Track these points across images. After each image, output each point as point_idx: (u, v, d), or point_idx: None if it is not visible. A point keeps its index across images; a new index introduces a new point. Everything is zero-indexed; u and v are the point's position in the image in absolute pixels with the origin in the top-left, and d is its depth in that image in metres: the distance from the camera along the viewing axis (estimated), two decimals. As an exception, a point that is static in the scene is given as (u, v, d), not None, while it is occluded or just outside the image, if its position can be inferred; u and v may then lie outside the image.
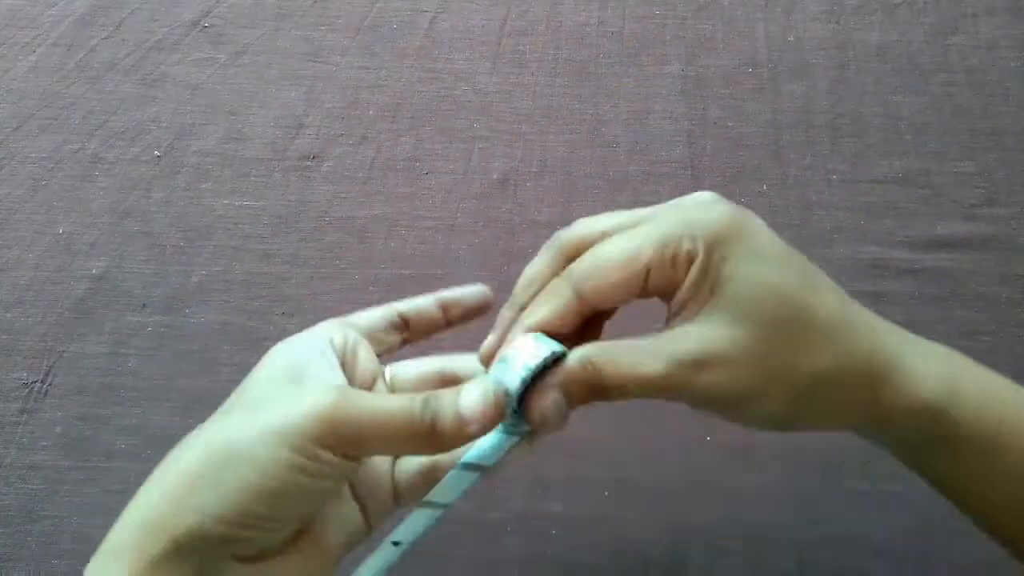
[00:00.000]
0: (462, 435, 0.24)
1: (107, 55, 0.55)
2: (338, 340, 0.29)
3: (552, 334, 0.26)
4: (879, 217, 0.48)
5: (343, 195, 0.50)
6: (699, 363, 0.25)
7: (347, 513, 0.28)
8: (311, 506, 0.25)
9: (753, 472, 0.39)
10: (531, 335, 0.26)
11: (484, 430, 0.25)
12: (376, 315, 0.32)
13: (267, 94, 0.54)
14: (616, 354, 0.25)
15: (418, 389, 0.31)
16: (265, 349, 0.45)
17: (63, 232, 0.48)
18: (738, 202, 0.50)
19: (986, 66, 0.54)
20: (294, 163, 0.51)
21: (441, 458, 0.29)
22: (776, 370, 0.26)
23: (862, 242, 0.47)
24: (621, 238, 0.27)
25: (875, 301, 0.46)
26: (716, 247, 0.26)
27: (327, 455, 0.24)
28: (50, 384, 0.43)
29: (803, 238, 0.48)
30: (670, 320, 0.27)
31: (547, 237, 0.47)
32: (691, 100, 0.53)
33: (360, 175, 0.50)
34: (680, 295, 0.26)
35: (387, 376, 0.32)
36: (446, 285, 0.46)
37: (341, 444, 0.24)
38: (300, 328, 0.45)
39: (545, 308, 0.26)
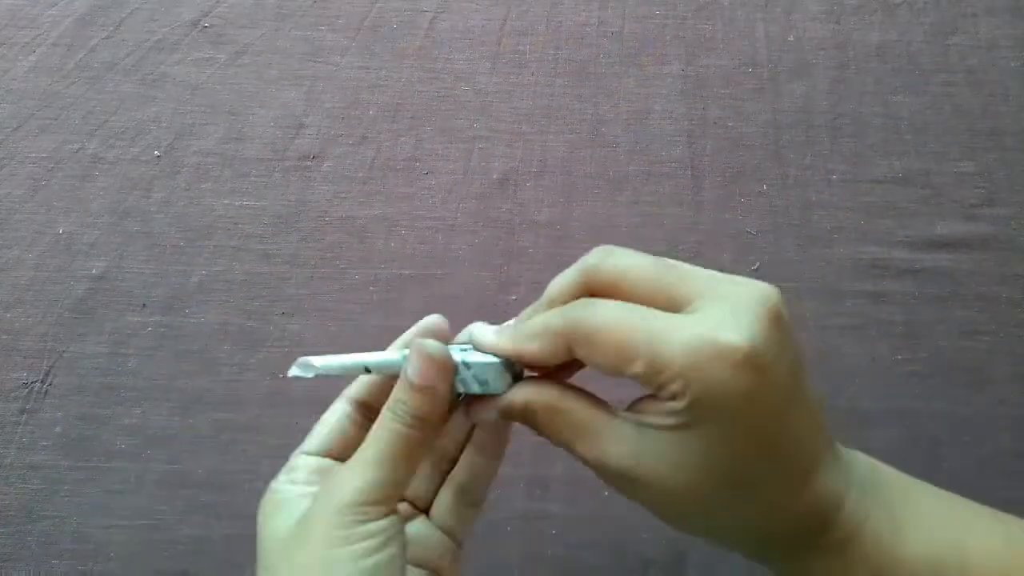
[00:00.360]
0: (435, 401, 0.26)
1: (107, 55, 0.55)
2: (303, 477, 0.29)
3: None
4: (879, 217, 0.48)
5: (343, 195, 0.50)
6: (622, 476, 0.25)
7: None
8: None
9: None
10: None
11: (443, 382, 0.26)
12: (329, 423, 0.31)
13: (267, 94, 0.54)
14: (561, 419, 0.26)
15: None
16: (265, 349, 0.45)
17: (63, 232, 0.48)
18: (738, 203, 0.50)
19: (986, 66, 0.54)
20: (294, 163, 0.51)
21: (465, 481, 0.30)
22: (708, 517, 0.25)
23: (862, 242, 0.47)
24: (626, 326, 0.24)
25: (875, 301, 0.46)
26: (702, 413, 0.23)
27: (367, 528, 0.25)
28: (50, 384, 0.43)
29: (803, 238, 0.48)
30: (636, 402, 0.26)
31: (547, 237, 0.48)
32: (691, 100, 0.53)
33: (360, 175, 0.50)
34: (651, 403, 0.25)
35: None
36: (446, 285, 0.47)
37: (367, 507, 0.25)
38: (300, 328, 0.45)
39: (536, 347, 0.26)
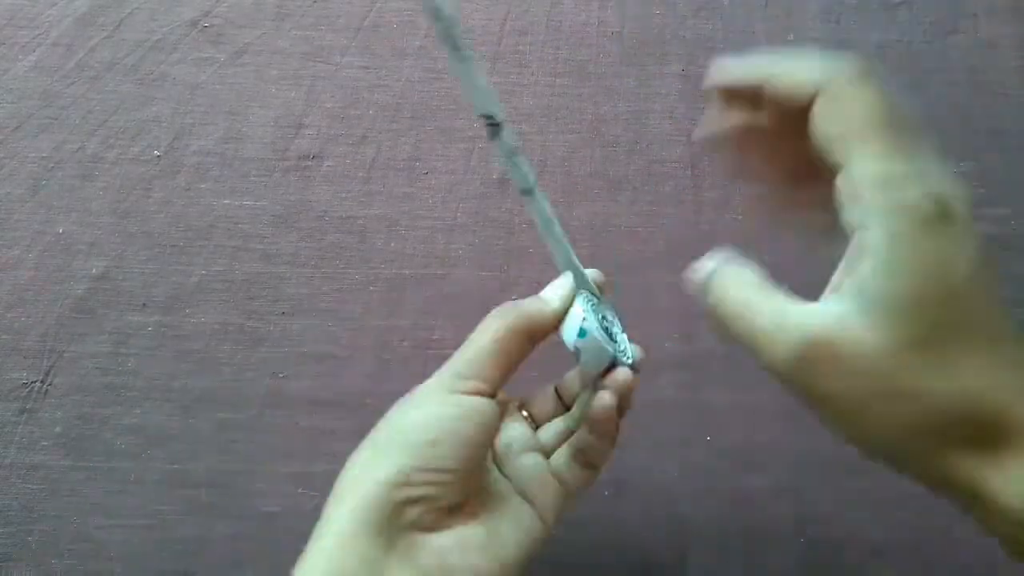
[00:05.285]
0: (542, 315, 0.31)
1: (107, 55, 0.55)
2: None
3: None
4: (879, 217, 0.48)
5: (343, 195, 0.50)
6: (827, 345, 0.23)
7: (518, 512, 0.31)
8: (463, 451, 0.28)
9: (753, 472, 0.39)
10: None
11: (564, 304, 0.32)
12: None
13: (267, 94, 0.54)
14: (753, 303, 0.26)
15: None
16: (265, 349, 0.45)
17: (63, 232, 0.48)
18: (739, 202, 0.50)
19: (986, 66, 0.54)
20: (294, 163, 0.51)
21: (585, 441, 0.33)
22: (904, 385, 0.23)
23: (862, 242, 0.47)
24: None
25: (875, 301, 0.46)
26: (902, 231, 0.23)
27: (455, 397, 0.29)
28: (50, 384, 0.43)
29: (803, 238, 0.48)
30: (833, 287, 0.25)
31: (547, 237, 0.48)
32: (691, 100, 0.53)
33: (360, 175, 0.50)
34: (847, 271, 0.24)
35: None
36: (446, 285, 0.47)
37: (460, 380, 0.29)
38: (300, 327, 0.45)
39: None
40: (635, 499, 0.40)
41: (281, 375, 0.44)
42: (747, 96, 0.27)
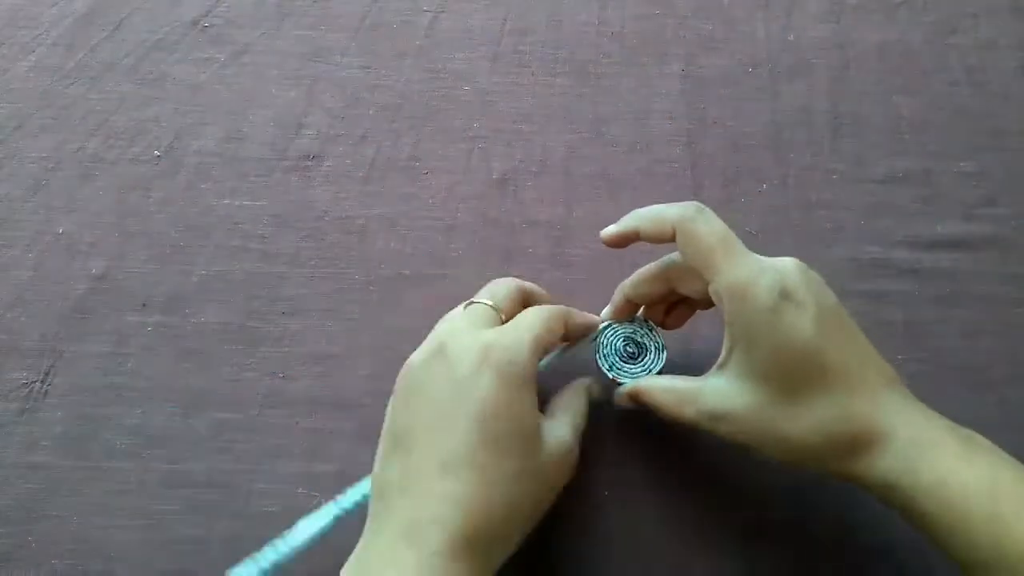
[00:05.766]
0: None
1: (107, 55, 0.55)
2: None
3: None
4: (879, 217, 0.48)
5: (343, 195, 0.50)
6: (715, 417, 0.32)
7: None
8: None
9: (753, 472, 0.39)
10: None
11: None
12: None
13: (267, 94, 0.54)
14: (664, 396, 0.34)
15: None
16: (265, 349, 0.45)
17: (63, 232, 0.48)
18: (739, 203, 0.50)
19: (986, 66, 0.54)
20: (294, 163, 0.51)
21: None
22: (773, 433, 0.31)
23: (862, 242, 0.47)
24: (715, 242, 0.34)
25: (875, 301, 0.46)
26: (740, 331, 0.32)
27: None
28: (50, 384, 0.43)
29: (803, 238, 0.48)
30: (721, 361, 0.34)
31: (547, 237, 0.48)
32: (691, 100, 0.53)
33: (360, 175, 0.50)
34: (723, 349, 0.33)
35: None
36: (446, 285, 0.47)
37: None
38: (300, 327, 0.45)
39: (649, 227, 0.35)
40: (635, 499, 0.40)
41: (281, 375, 0.44)
42: (631, 240, 0.35)
